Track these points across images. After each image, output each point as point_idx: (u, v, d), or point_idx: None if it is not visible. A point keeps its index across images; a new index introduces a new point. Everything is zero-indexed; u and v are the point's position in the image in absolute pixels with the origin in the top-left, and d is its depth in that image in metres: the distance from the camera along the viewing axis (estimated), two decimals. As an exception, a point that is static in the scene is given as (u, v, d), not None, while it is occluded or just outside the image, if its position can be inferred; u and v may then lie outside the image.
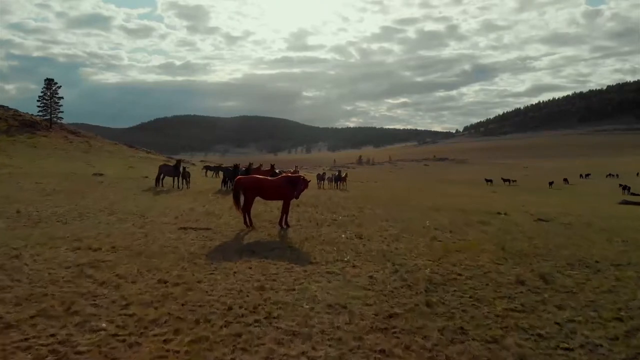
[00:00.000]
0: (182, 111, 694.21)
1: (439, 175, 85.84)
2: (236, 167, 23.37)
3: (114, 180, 23.41)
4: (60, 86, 61.02)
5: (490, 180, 58.25)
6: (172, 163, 31.37)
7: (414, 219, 13.30)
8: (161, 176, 21.89)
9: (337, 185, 34.26)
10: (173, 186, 21.65)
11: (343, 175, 36.65)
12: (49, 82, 60.24)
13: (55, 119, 59.93)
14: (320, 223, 11.65)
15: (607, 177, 73.49)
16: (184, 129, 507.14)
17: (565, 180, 61.11)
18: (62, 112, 61.02)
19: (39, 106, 59.70)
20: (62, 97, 60.90)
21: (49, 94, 59.72)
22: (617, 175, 73.58)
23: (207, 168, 40.32)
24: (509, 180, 58.59)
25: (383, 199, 21.17)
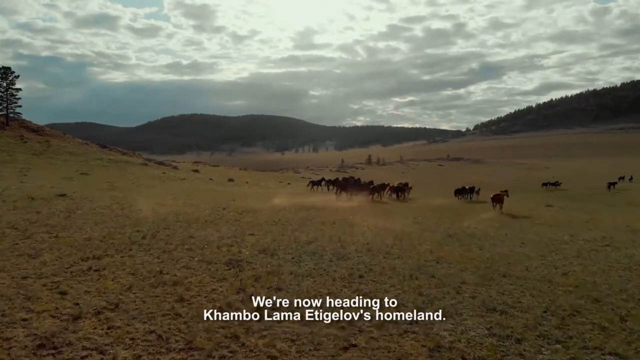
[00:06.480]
0: (188, 110, 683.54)
1: (460, 178, 76.01)
2: None
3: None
4: (18, 76, 51.68)
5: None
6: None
7: None
8: None
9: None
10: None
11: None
12: (5, 72, 50.65)
13: (12, 115, 50.98)
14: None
15: None
16: (190, 128, 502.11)
17: (612, 184, 51.71)
18: (20, 106, 51.84)
19: (-8, 100, 50.28)
20: (19, 89, 51.75)
21: (4, 85, 50.43)
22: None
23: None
24: (548, 184, 49.77)
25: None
